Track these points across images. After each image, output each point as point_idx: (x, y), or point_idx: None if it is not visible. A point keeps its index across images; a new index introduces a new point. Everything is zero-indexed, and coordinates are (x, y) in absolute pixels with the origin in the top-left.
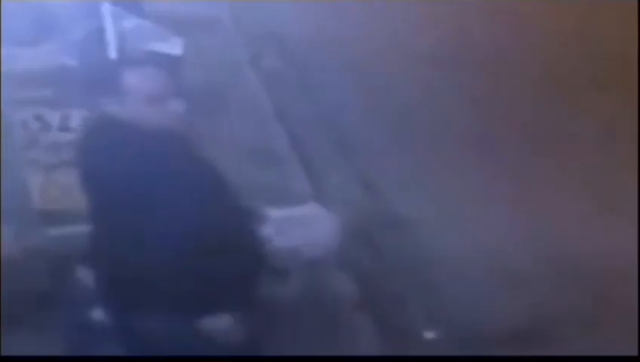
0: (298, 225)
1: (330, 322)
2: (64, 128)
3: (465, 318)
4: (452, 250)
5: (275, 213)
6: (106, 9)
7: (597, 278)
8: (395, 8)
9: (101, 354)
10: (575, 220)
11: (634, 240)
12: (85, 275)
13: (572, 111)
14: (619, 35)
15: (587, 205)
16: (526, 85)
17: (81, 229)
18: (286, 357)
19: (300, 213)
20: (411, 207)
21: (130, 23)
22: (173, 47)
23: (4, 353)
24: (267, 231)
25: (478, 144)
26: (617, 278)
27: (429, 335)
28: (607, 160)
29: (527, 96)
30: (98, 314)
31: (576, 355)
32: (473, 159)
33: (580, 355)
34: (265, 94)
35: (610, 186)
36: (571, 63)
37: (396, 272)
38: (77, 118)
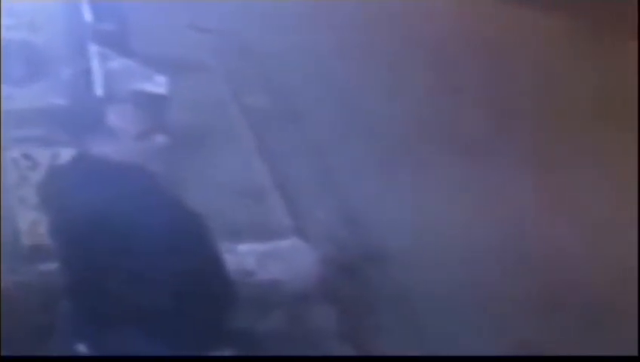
0: (280, 259)
1: (312, 354)
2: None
3: (449, 350)
4: (436, 283)
5: (257, 246)
6: (94, 50)
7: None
8: (384, 43)
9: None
10: (567, 245)
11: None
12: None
13: (570, 137)
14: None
15: (580, 228)
16: (525, 115)
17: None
18: (286, 357)
19: (281, 247)
20: (394, 240)
21: (117, 63)
22: (159, 86)
23: None
24: (249, 264)
25: (463, 180)
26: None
27: None
28: (603, 182)
29: (526, 127)
30: (84, 348)
31: (576, 355)
32: (458, 194)
33: (580, 355)
34: (248, 130)
35: (607, 207)
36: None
37: (379, 305)
38: (66, 156)
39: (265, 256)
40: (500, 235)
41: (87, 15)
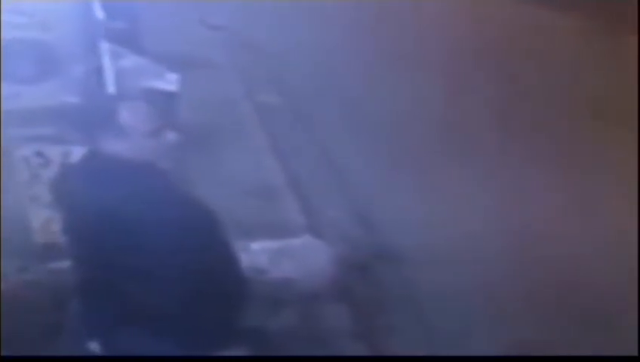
0: (292, 257)
1: (324, 353)
2: (65, 164)
3: (460, 350)
4: (447, 282)
5: (269, 244)
6: (105, 48)
7: (593, 302)
8: (392, 46)
9: (112, 353)
10: (567, 246)
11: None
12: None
13: (572, 140)
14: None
15: (581, 228)
16: (526, 115)
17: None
18: (295, 357)
19: (294, 245)
20: (406, 239)
21: (128, 61)
22: (169, 83)
23: None
24: (262, 262)
25: (474, 179)
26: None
27: None
28: (606, 185)
29: (529, 124)
30: (95, 347)
31: (576, 355)
32: (469, 193)
33: (580, 355)
34: (260, 129)
35: (607, 207)
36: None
37: (390, 304)
38: (78, 154)
39: (277, 254)
40: (507, 235)
41: (99, 13)
